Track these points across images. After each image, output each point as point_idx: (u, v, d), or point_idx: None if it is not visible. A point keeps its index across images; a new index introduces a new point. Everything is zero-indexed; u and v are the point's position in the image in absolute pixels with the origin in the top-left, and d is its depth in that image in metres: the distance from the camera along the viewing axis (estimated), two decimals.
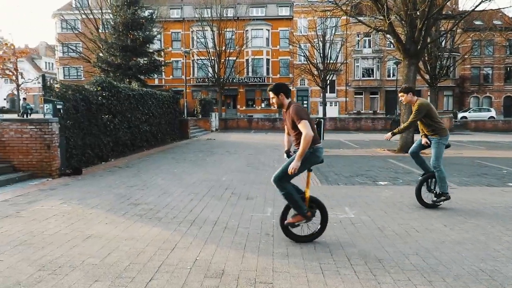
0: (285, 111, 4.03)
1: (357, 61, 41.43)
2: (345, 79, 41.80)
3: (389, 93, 40.61)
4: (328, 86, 36.49)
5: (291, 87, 41.05)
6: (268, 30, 40.93)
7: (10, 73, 33.29)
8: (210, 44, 34.42)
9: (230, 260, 3.58)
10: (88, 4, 29.50)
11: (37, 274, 3.21)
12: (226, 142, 18.34)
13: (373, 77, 41.42)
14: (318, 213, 4.15)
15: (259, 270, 3.35)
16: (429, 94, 35.21)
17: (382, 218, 4.99)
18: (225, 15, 35.25)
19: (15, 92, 37.94)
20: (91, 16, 28.31)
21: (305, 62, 34.93)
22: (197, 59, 38.80)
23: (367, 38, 40.22)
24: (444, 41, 30.31)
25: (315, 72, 33.68)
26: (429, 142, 5.46)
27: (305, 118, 3.80)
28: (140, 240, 4.11)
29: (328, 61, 33.34)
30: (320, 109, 38.53)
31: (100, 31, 27.58)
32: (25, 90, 42.58)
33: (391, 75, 40.76)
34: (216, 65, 34.09)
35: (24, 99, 28.57)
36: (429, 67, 26.78)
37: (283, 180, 3.93)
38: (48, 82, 8.82)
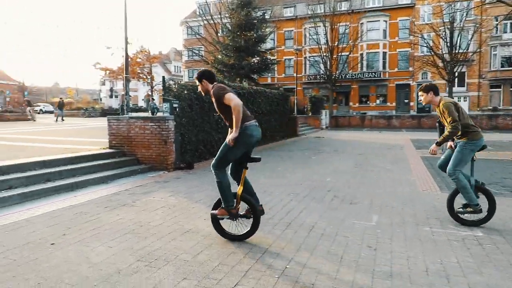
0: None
1: (494, 49, 35.54)
2: (478, 70, 36.31)
3: None
4: (456, 79, 32.23)
5: (410, 82, 37.63)
6: (386, 21, 38.13)
7: (144, 77, 38.27)
8: (322, 40, 33.71)
9: (322, 273, 3.22)
10: (209, 10, 31.90)
11: (135, 265, 3.38)
12: (335, 140, 17.67)
13: None
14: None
15: None
16: None
17: None
18: (338, 9, 34.11)
19: (150, 93, 43.52)
20: (211, 22, 30.54)
21: (428, 54, 31.50)
22: (309, 56, 38.52)
23: (508, 21, 34.18)
24: None
25: (440, 64, 30.06)
26: (453, 146, 4.58)
27: (227, 91, 3.69)
28: (233, 239, 4.04)
29: (456, 51, 29.42)
30: None
31: (219, 34, 29.56)
32: (158, 92, 48.50)
33: None
34: (328, 62, 33.29)
35: (152, 99, 32.51)
36: None
37: (220, 165, 3.83)
38: (168, 83, 9.62)
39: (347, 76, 38.18)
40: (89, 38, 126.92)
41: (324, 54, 33.27)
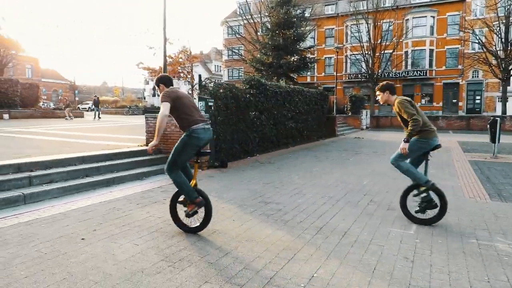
0: None
1: None
2: None
3: None
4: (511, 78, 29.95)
5: (459, 81, 35.56)
6: (433, 17, 36.24)
7: (184, 76, 39.15)
8: (365, 38, 32.68)
9: (352, 284, 3.00)
10: (249, 10, 31.99)
11: (159, 264, 3.33)
12: (375, 141, 17.02)
13: None
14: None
15: None
16: None
17: None
18: (382, 6, 32.90)
19: (190, 92, 44.53)
20: (251, 21, 30.58)
21: (480, 50, 29.56)
22: (350, 55, 37.54)
23: None
24: None
25: (494, 62, 28.09)
26: (406, 149, 4.52)
27: (165, 101, 3.93)
28: (260, 243, 3.90)
29: None
30: (499, 105, 32.08)
31: (258, 34, 29.55)
32: (197, 90, 49.43)
33: None
34: (370, 60, 32.23)
35: (193, 98, 33.10)
36: None
37: (173, 169, 4.00)
38: (204, 82, 9.66)
39: (390, 75, 36.77)
40: (134, 38, 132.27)
41: (366, 52, 32.25)
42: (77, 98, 50.22)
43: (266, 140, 12.31)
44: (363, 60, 32.98)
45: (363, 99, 29.17)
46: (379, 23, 32.03)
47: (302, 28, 23.59)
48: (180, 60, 39.52)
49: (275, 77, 21.11)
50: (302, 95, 15.36)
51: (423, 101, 37.62)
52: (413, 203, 4.75)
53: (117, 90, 72.90)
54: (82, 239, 3.94)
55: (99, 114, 27.30)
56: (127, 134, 12.92)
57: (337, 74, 31.66)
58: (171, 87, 4.23)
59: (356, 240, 4.01)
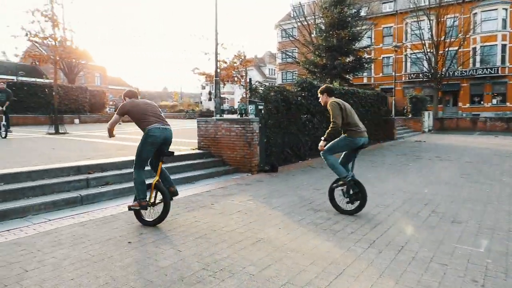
0: None
1: None
2: None
3: None
4: None
5: None
6: (506, 9, 33.11)
7: (237, 80, 39.70)
8: (426, 35, 30.72)
9: None
10: (303, 12, 31.61)
11: (200, 273, 3.23)
12: (438, 145, 15.81)
13: None
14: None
15: None
16: None
17: None
18: (445, 0, 30.72)
19: (244, 96, 45.04)
20: (305, 23, 30.20)
21: None
22: (410, 53, 35.53)
23: None
24: None
25: None
26: (323, 147, 5.15)
27: (116, 113, 4.53)
28: (306, 254, 3.66)
29: None
30: None
31: (312, 35, 29.08)
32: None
33: None
34: (432, 58, 30.20)
35: (242, 100, 33.31)
36: None
37: (138, 165, 4.48)
38: (254, 85, 9.59)
39: (456, 74, 34.24)
40: (191, 45, 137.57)
41: (428, 50, 30.27)
42: None
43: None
44: (424, 58, 31.04)
45: (425, 99, 27.38)
46: (442, 19, 29.93)
47: (358, 28, 22.72)
48: (235, 64, 40.15)
49: (329, 79, 20.52)
50: (357, 97, 14.74)
51: (494, 101, 34.51)
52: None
53: (176, 95, 76.02)
54: (129, 242, 3.98)
55: None
56: (180, 138, 13.24)
57: (396, 74, 30.12)
58: (133, 99, 4.70)
59: (414, 257, 3.60)
